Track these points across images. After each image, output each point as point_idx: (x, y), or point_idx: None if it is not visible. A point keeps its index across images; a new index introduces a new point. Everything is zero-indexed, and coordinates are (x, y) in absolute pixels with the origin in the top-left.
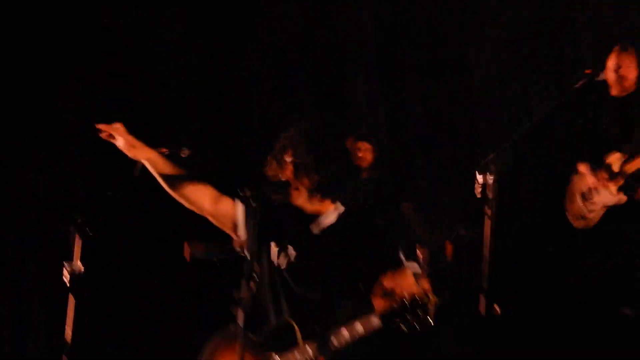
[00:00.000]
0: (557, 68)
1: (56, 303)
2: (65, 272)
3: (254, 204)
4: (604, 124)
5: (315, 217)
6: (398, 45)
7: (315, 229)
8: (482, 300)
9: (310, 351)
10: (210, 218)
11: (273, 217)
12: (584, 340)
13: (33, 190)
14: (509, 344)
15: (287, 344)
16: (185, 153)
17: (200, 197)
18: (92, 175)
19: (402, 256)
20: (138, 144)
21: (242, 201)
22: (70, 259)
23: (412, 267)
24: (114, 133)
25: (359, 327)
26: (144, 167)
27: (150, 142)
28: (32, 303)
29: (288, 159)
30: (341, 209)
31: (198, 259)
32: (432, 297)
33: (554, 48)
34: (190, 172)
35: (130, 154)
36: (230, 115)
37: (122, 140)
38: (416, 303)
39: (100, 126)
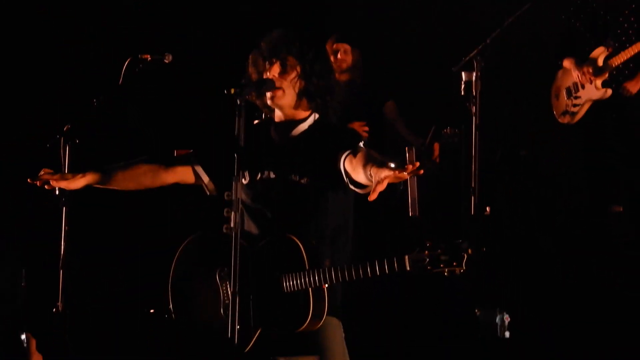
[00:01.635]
0: None
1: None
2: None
3: (239, 102)
4: (587, 18)
5: (292, 123)
6: None
7: (293, 134)
8: (473, 201)
9: (316, 277)
10: (177, 182)
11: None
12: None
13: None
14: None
15: (291, 264)
16: (168, 59)
17: (155, 176)
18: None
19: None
20: (69, 176)
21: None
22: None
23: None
24: (45, 180)
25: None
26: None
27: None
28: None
29: (275, 58)
30: (316, 116)
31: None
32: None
33: None
34: (128, 160)
35: (71, 187)
36: (209, 19)
37: (56, 182)
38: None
39: (32, 182)
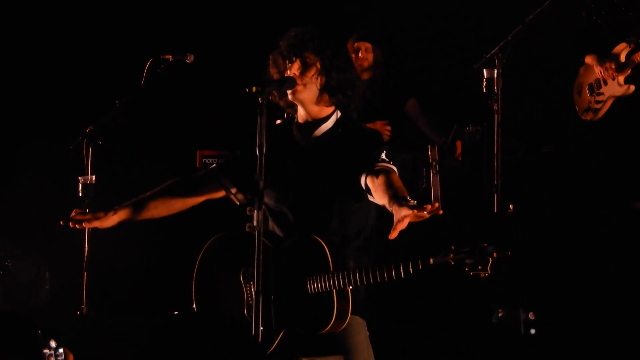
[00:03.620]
0: None
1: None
2: (80, 187)
3: (261, 100)
4: (608, 14)
5: (315, 122)
6: None
7: (316, 134)
8: (496, 199)
9: (340, 279)
10: (207, 199)
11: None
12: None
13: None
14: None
15: (315, 266)
16: (190, 59)
17: (186, 199)
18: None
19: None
20: (101, 214)
21: (217, 166)
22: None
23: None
24: (78, 220)
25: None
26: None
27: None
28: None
29: (294, 56)
30: (338, 114)
31: (209, 164)
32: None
33: None
34: (159, 188)
35: (103, 226)
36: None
37: (87, 223)
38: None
39: (64, 223)
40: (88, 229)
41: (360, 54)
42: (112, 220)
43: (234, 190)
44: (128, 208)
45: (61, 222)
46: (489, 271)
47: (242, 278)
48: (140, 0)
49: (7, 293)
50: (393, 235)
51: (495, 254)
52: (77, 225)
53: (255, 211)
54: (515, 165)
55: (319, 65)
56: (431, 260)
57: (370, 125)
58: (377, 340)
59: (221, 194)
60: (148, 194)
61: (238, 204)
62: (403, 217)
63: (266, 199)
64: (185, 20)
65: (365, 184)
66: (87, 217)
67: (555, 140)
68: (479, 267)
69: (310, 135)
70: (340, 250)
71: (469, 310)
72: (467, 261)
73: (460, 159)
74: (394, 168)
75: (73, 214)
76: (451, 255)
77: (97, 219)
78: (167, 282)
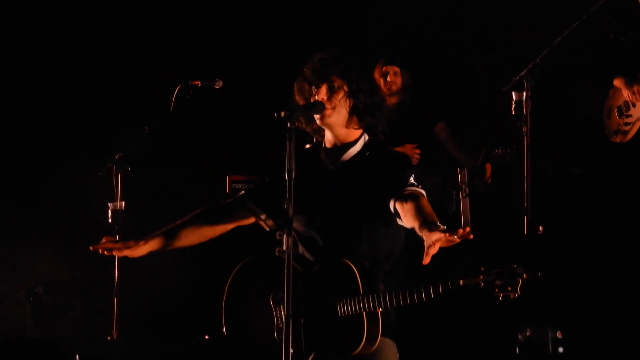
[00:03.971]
0: None
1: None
2: (109, 213)
3: (290, 125)
4: (636, 36)
5: (343, 146)
6: None
7: (344, 157)
8: (525, 221)
9: (370, 302)
10: (237, 225)
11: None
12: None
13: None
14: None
15: (345, 289)
16: (219, 84)
17: (216, 227)
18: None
19: (412, 180)
20: (132, 243)
21: (246, 192)
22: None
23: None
24: (108, 248)
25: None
26: None
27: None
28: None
29: (321, 81)
30: (366, 137)
31: (238, 189)
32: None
33: None
34: (188, 217)
35: (134, 255)
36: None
37: (118, 251)
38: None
39: (93, 249)
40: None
41: (389, 78)
42: (142, 250)
43: (263, 217)
44: (159, 237)
45: (91, 248)
46: (519, 292)
47: (272, 302)
48: (169, 26)
49: (38, 320)
50: (426, 260)
51: (525, 275)
52: (106, 252)
53: (285, 236)
54: (545, 187)
55: (346, 89)
56: (461, 282)
57: (399, 149)
58: None
59: (251, 220)
60: (178, 222)
61: (268, 229)
62: (434, 241)
63: (295, 224)
64: (213, 46)
65: (395, 208)
66: (118, 245)
67: (584, 162)
68: (509, 289)
69: (338, 159)
70: (370, 273)
71: (497, 330)
72: (497, 282)
73: (489, 181)
74: (423, 192)
75: (103, 240)
76: (481, 277)
77: (128, 247)
78: (197, 306)
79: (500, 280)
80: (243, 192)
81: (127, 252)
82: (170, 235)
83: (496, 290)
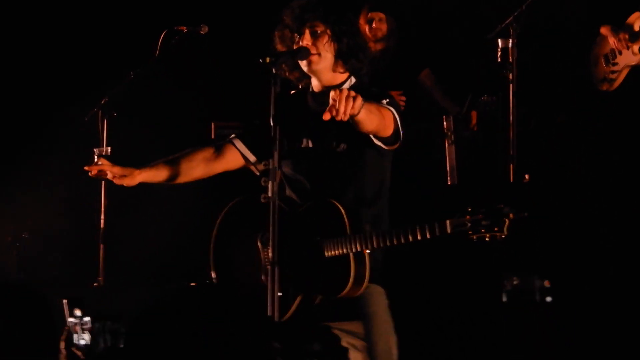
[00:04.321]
0: None
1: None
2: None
3: (275, 71)
4: None
5: (329, 90)
6: None
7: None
8: (511, 168)
9: (357, 242)
10: (226, 169)
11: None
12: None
13: None
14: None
15: (332, 229)
16: (204, 30)
17: (206, 167)
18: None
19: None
20: (127, 171)
21: (236, 136)
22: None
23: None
24: (102, 170)
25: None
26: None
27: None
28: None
29: (304, 27)
30: (352, 80)
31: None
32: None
33: None
34: (180, 153)
35: (125, 183)
36: None
37: (111, 174)
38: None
39: (87, 168)
40: (103, 200)
41: (374, 24)
42: (135, 179)
43: (253, 160)
44: (152, 169)
45: (85, 168)
46: (506, 232)
47: (259, 243)
48: None
49: (23, 265)
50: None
51: (511, 215)
52: (100, 174)
53: (270, 182)
54: (529, 135)
55: (329, 33)
56: (448, 222)
57: None
58: (397, 309)
59: (240, 164)
60: (170, 158)
61: (258, 174)
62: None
63: (283, 167)
64: None
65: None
66: (115, 170)
67: (570, 110)
68: (496, 229)
69: (325, 103)
70: (357, 214)
71: (483, 278)
72: (484, 222)
73: (475, 129)
74: (392, 109)
75: (100, 162)
76: (468, 217)
77: (124, 175)
78: (184, 250)
79: (487, 220)
80: (233, 135)
81: (122, 181)
82: (162, 169)
83: (482, 230)
